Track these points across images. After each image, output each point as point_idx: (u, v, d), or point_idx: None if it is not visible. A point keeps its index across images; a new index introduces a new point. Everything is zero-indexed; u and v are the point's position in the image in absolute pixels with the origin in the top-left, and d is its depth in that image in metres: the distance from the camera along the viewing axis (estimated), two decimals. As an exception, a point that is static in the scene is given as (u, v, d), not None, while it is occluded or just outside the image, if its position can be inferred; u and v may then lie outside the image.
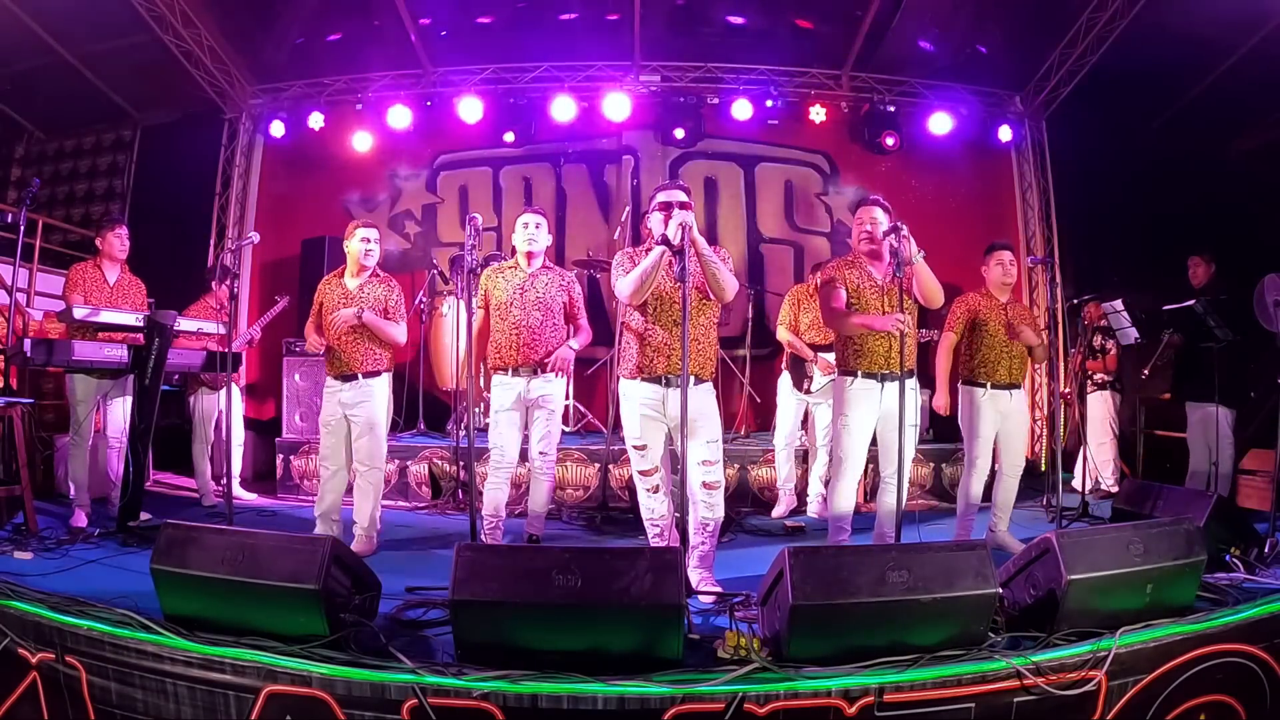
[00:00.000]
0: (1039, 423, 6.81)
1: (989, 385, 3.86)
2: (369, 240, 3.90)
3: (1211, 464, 4.71)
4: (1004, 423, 3.91)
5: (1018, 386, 3.93)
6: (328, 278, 4.05)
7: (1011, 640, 2.42)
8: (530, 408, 3.78)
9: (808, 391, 4.82)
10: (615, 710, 2.11)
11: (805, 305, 4.86)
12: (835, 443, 3.52)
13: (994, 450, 3.99)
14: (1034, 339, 3.89)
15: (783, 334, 4.91)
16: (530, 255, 3.83)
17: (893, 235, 3.09)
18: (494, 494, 3.78)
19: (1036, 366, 6.92)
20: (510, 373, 3.73)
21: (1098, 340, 5.59)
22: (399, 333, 3.94)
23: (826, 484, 4.07)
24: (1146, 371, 5.18)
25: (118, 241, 4.36)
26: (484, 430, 4.04)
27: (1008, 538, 3.94)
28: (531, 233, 3.81)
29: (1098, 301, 5.45)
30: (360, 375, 3.83)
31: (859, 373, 3.41)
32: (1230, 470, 4.75)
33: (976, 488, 3.91)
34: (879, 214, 3.43)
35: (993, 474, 4.03)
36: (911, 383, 3.37)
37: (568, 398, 5.86)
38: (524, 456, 3.93)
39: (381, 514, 3.99)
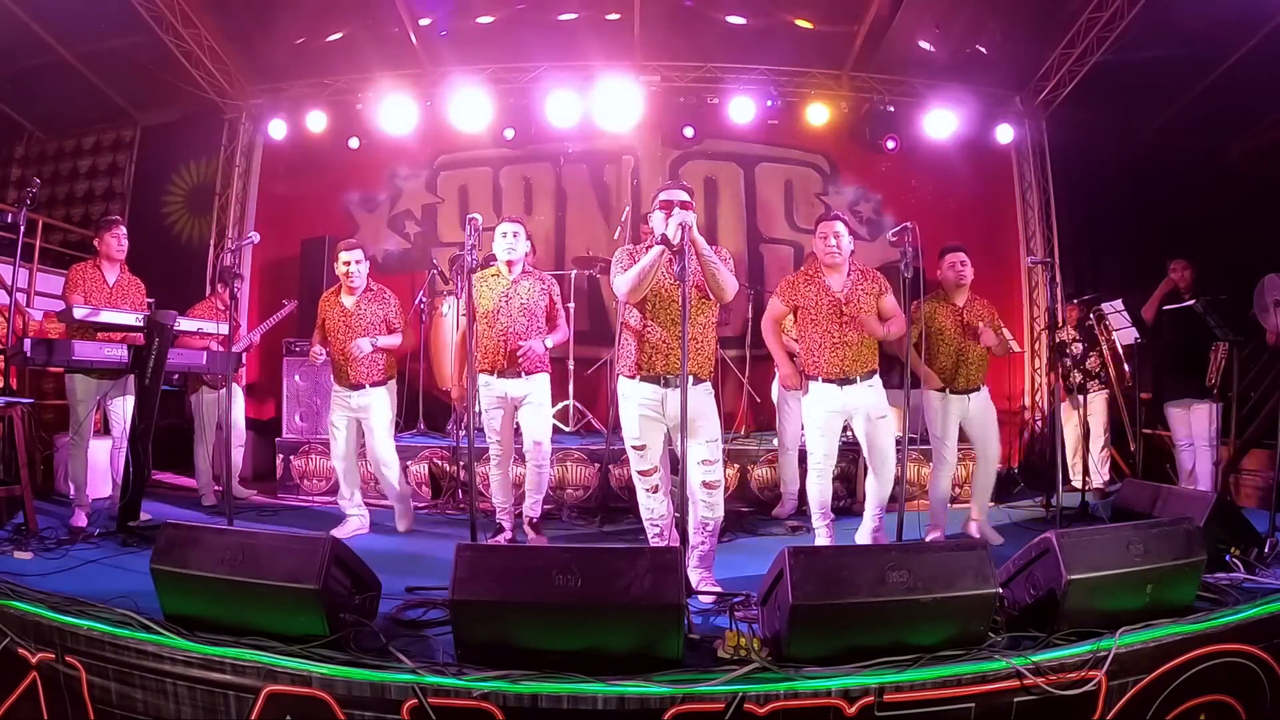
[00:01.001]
0: (1039, 423, 6.81)
1: (948, 391, 4.00)
2: (349, 263, 4.16)
3: (1214, 464, 4.72)
4: (969, 422, 4.04)
5: (977, 389, 4.05)
6: (326, 294, 4.30)
7: (1011, 640, 2.42)
8: (516, 406, 3.96)
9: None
10: (615, 710, 2.10)
11: None
12: (806, 440, 3.73)
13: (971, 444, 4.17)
14: (993, 339, 3.96)
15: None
16: (510, 263, 3.95)
17: (905, 233, 3.15)
18: (502, 483, 4.00)
19: (1038, 365, 6.94)
20: (496, 375, 3.90)
21: (1075, 347, 5.64)
22: (399, 341, 4.30)
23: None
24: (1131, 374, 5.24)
25: (114, 242, 4.36)
26: (482, 430, 4.07)
27: (987, 528, 4.09)
28: (510, 242, 3.93)
29: (1083, 304, 5.50)
30: (368, 385, 4.15)
31: (819, 378, 3.60)
32: (1221, 468, 4.77)
33: (944, 483, 4.13)
34: (841, 228, 3.58)
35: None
36: (872, 381, 3.60)
37: (567, 397, 5.87)
38: (520, 457, 4.04)
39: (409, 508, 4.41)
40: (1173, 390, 5.00)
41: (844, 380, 3.56)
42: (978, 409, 4.03)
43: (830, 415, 3.60)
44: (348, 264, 4.15)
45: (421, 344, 5.90)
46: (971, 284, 4.12)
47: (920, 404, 4.17)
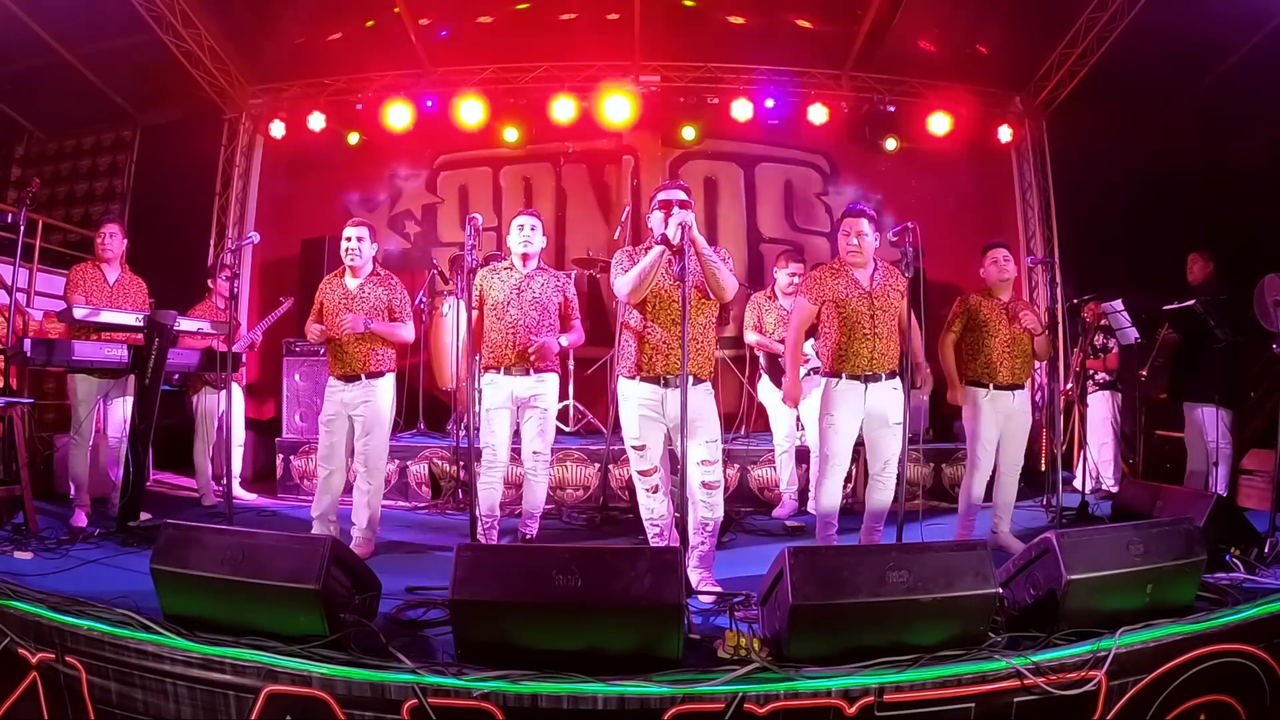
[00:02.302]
0: (1039, 422, 6.80)
1: (991, 386, 3.89)
2: (350, 239, 3.83)
3: (1212, 464, 4.71)
4: (1006, 423, 3.93)
5: (1020, 387, 3.95)
6: (328, 278, 4.01)
7: (1011, 640, 2.42)
8: (522, 407, 3.82)
9: None
10: (615, 710, 2.11)
11: (766, 307, 5.02)
12: (821, 441, 3.60)
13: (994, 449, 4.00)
14: (1035, 324, 3.87)
15: (750, 336, 5.01)
16: (526, 257, 3.87)
17: (906, 233, 3.16)
18: (489, 493, 3.82)
19: (1038, 365, 6.94)
20: (503, 371, 3.77)
21: (1099, 339, 5.59)
22: (406, 333, 3.91)
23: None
24: (1144, 372, 5.18)
25: (99, 241, 4.35)
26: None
27: (1009, 539, 3.95)
28: (527, 234, 3.85)
29: (1097, 301, 5.45)
30: (364, 376, 3.79)
31: (843, 374, 3.49)
32: (1229, 470, 4.75)
33: (979, 489, 3.96)
34: (865, 225, 3.50)
35: (993, 474, 4.04)
36: (894, 383, 3.50)
37: (567, 397, 5.87)
38: (518, 456, 3.94)
39: (381, 514, 3.95)
40: (1176, 391, 4.99)
41: (870, 377, 3.46)
42: (1019, 409, 3.93)
43: (853, 415, 3.49)
44: (349, 239, 3.81)
45: (421, 344, 5.90)
46: (974, 283, 4.10)
47: (921, 404, 4.15)
